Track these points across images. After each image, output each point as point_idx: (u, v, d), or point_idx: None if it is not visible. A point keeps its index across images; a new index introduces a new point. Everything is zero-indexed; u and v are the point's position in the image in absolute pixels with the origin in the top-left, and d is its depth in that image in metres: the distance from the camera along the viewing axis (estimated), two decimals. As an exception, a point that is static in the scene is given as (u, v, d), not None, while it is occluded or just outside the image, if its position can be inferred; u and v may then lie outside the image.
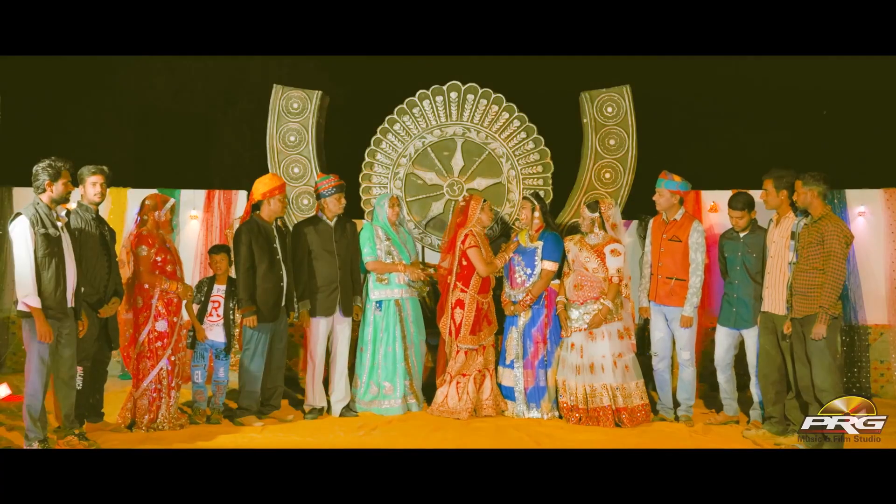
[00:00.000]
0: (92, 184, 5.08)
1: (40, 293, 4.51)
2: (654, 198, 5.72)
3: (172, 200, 5.50)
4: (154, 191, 6.16)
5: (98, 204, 5.16)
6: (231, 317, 5.64)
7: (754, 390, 5.50)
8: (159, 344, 5.26)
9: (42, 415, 4.59)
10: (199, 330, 5.55)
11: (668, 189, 5.64)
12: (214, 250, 5.71)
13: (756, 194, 5.50)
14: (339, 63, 7.64)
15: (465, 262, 5.83)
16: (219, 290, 5.64)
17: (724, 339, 5.57)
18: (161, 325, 5.27)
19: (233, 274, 5.77)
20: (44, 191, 4.63)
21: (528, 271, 5.80)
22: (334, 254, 5.73)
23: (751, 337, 5.46)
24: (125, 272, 5.33)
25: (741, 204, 5.43)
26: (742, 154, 7.49)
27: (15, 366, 6.86)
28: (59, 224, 4.65)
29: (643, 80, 7.00)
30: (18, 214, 4.58)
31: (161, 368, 5.26)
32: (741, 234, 5.48)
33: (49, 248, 4.53)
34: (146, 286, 5.24)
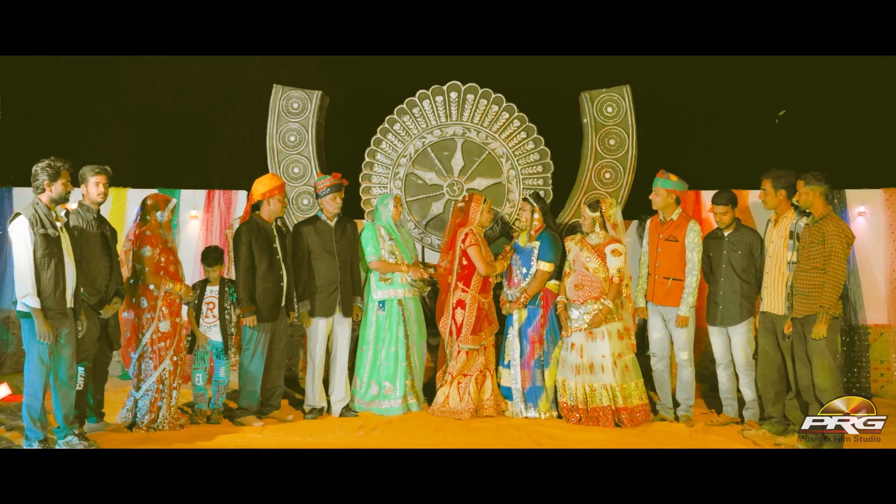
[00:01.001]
0: (95, 184, 5.08)
1: (39, 293, 4.51)
2: (650, 196, 5.73)
3: (174, 201, 5.50)
4: (154, 191, 6.16)
5: (101, 204, 5.17)
6: (227, 317, 5.63)
7: (745, 389, 5.51)
8: (163, 345, 5.27)
9: (42, 415, 4.59)
10: (200, 336, 5.55)
11: (664, 188, 5.65)
12: (210, 261, 5.66)
13: (755, 194, 5.51)
14: (339, 63, 7.65)
15: (465, 262, 5.84)
16: (212, 291, 5.64)
17: (717, 338, 5.58)
18: (164, 326, 5.27)
19: (224, 274, 5.76)
20: (43, 191, 4.63)
21: (524, 271, 5.81)
22: (334, 254, 5.73)
23: (737, 335, 5.47)
24: (125, 272, 5.33)
25: (725, 199, 5.47)
26: (742, 154, 7.50)
27: (15, 366, 6.86)
28: (59, 224, 4.65)
29: (643, 80, 7.01)
30: (18, 214, 4.58)
31: (164, 369, 5.26)
32: (726, 233, 5.50)
33: (48, 248, 4.53)
34: (151, 287, 5.24)
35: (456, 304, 5.84)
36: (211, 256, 5.66)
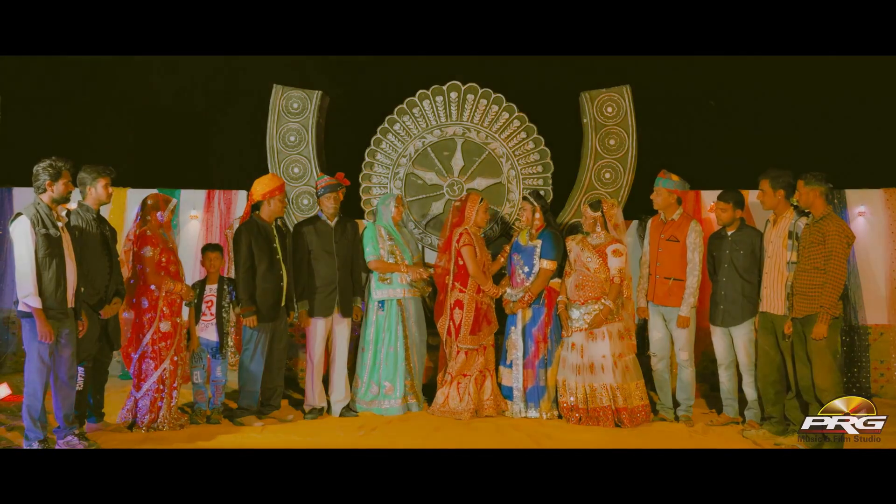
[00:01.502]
0: (103, 186, 5.11)
1: (41, 293, 4.51)
2: (651, 196, 5.73)
3: (175, 201, 5.51)
4: (154, 191, 6.16)
5: (105, 204, 5.20)
6: (224, 316, 5.62)
7: (747, 389, 5.52)
8: (163, 345, 5.27)
9: (42, 415, 4.59)
10: (194, 339, 5.54)
11: (665, 188, 5.65)
12: (209, 248, 5.71)
13: (755, 194, 5.51)
14: (339, 63, 7.63)
15: (461, 262, 5.84)
16: (211, 290, 5.64)
17: (719, 338, 5.58)
18: (165, 326, 5.28)
19: (224, 273, 5.76)
20: (44, 191, 4.63)
21: (527, 269, 5.80)
22: (333, 254, 5.74)
23: (739, 335, 5.46)
24: (125, 272, 5.34)
25: (729, 198, 5.49)
26: (742, 154, 7.49)
27: (15, 366, 6.86)
28: (60, 224, 4.65)
29: (643, 80, 7.00)
30: (19, 214, 4.58)
31: (164, 369, 5.27)
32: (729, 233, 5.50)
33: (49, 248, 4.53)
34: (152, 287, 5.25)
35: (454, 305, 5.84)
36: (210, 246, 5.71)
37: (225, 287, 5.64)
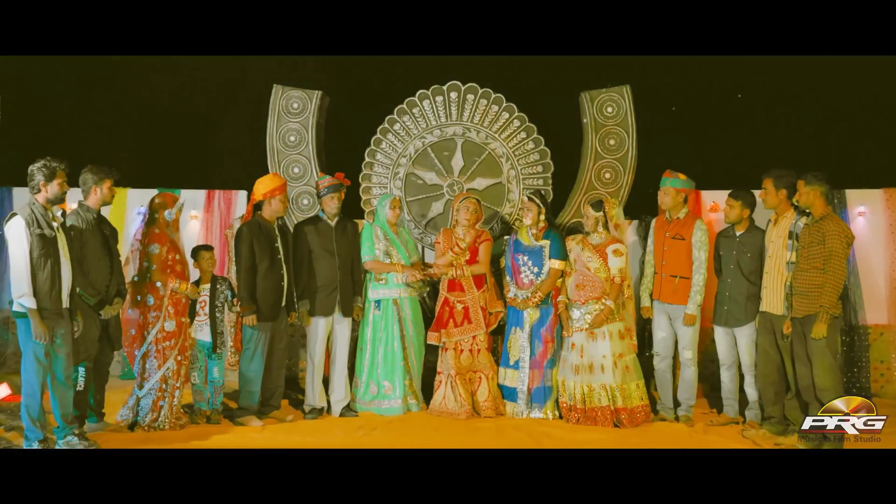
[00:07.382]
0: (108, 188, 5.12)
1: (35, 293, 4.50)
2: (659, 196, 5.71)
3: (182, 200, 5.51)
4: (155, 191, 6.16)
5: (107, 205, 5.21)
6: (218, 316, 5.61)
7: (748, 390, 5.52)
8: (167, 344, 5.27)
9: (41, 414, 4.59)
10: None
11: (673, 187, 5.65)
12: (202, 248, 5.69)
13: (756, 194, 5.50)
14: (339, 63, 7.62)
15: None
16: (204, 290, 5.63)
17: (722, 337, 5.58)
18: (169, 326, 5.27)
19: (224, 273, 5.75)
20: (39, 191, 4.63)
21: (536, 270, 5.78)
22: (334, 254, 5.74)
23: (743, 336, 5.47)
24: (128, 270, 5.34)
25: (739, 195, 5.47)
26: (742, 154, 7.49)
27: (15, 366, 6.85)
28: (55, 224, 4.64)
29: (643, 80, 7.00)
30: (14, 215, 4.58)
31: (167, 368, 5.27)
32: (737, 234, 5.49)
33: (44, 248, 4.53)
34: (157, 284, 5.24)
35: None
36: (201, 247, 5.73)
37: (218, 287, 5.63)
